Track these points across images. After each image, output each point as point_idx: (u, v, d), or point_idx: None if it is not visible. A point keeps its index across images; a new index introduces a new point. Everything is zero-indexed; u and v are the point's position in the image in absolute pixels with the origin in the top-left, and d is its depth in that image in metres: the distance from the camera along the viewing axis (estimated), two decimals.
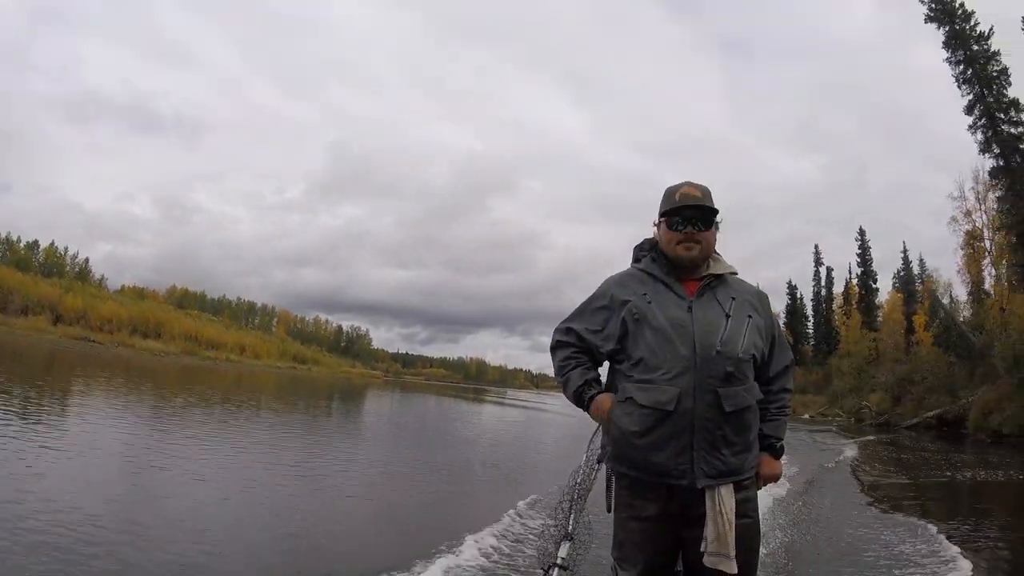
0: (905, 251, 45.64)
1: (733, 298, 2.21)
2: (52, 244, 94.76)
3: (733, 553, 2.07)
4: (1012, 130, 23.47)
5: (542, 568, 2.78)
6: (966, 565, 5.44)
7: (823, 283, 58.49)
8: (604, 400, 2.26)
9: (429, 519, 6.94)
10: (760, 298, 2.32)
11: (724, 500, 2.10)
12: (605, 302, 2.31)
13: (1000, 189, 23.82)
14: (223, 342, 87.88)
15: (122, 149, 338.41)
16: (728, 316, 2.16)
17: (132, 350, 64.66)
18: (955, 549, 5.93)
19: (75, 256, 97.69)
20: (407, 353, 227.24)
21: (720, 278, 2.25)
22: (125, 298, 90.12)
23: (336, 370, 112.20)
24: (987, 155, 23.86)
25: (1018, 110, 23.71)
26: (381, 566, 5.06)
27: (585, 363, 2.35)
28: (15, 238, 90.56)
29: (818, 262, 58.77)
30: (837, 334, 52.97)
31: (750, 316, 2.22)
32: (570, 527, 2.81)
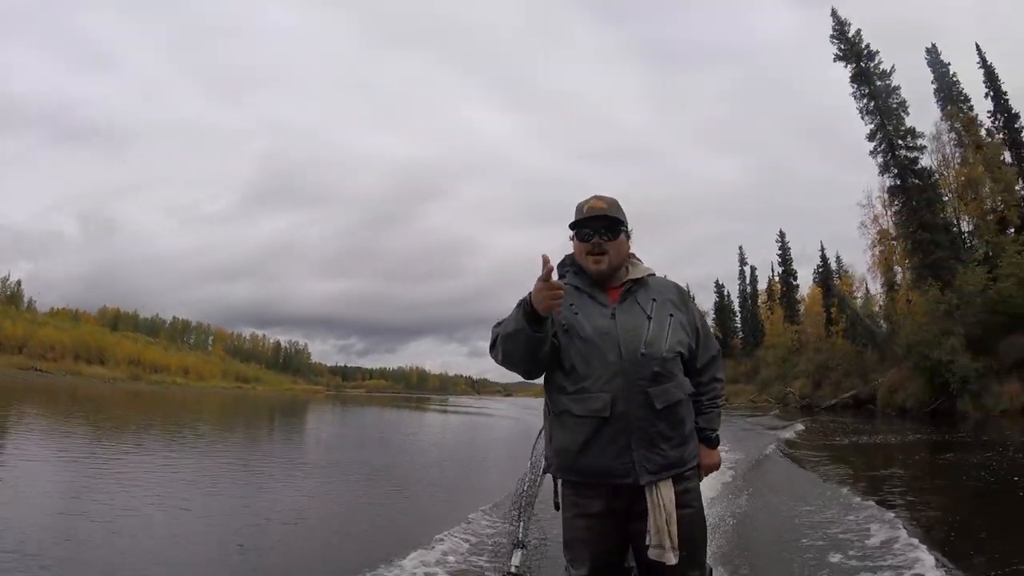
0: (823, 249, 50.23)
1: (654, 299, 2.28)
2: None
3: (673, 545, 2.13)
4: (908, 154, 27.60)
5: None
6: (888, 516, 5.76)
7: (748, 280, 63.21)
8: (536, 285, 2.08)
9: (375, 534, 6.85)
10: (680, 294, 2.39)
11: (662, 494, 2.15)
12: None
13: (897, 204, 27.99)
14: (166, 365, 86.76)
15: (43, 160, 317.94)
16: (650, 318, 2.23)
17: (80, 378, 63.76)
18: (874, 506, 6.29)
19: (6, 279, 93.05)
20: (345, 366, 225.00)
21: (639, 282, 2.32)
22: (57, 321, 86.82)
23: (279, 387, 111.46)
24: (886, 176, 28.15)
25: (914, 136, 27.90)
26: None
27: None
28: None
29: (742, 261, 63.72)
30: (763, 328, 57.09)
31: (671, 315, 2.28)
32: (521, 535, 2.89)
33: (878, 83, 28.82)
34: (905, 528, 5.35)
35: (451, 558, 5.22)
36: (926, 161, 28.64)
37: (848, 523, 5.95)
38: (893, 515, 5.76)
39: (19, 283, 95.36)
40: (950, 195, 28.39)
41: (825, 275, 49.32)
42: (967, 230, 28.69)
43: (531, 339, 2.13)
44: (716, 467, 2.46)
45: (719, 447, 2.47)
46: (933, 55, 30.73)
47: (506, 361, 2.27)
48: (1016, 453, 10.95)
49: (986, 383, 20.15)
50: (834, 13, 30.39)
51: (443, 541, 5.63)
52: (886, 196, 29.10)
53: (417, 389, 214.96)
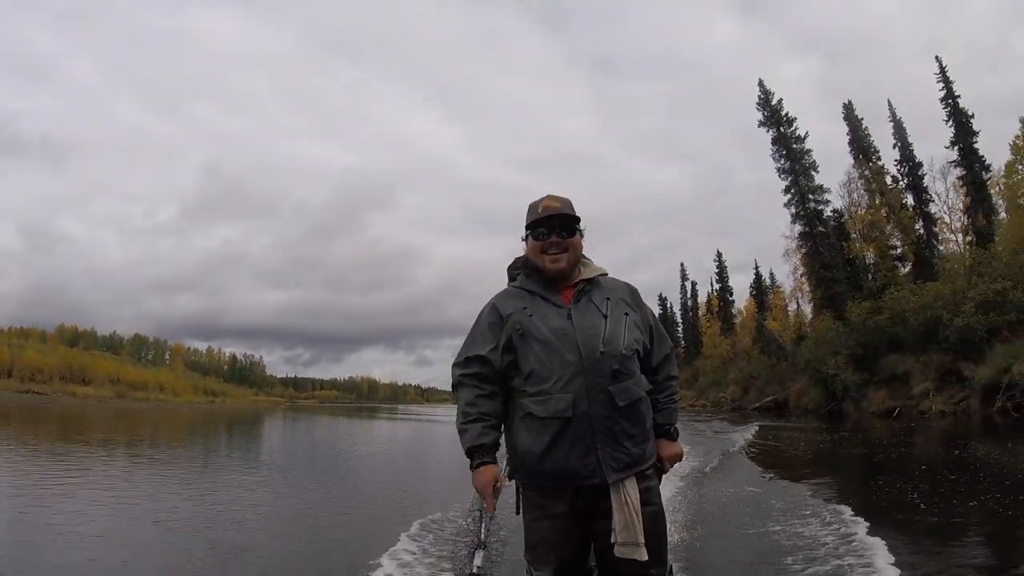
0: (757, 266, 56.50)
1: (608, 298, 2.31)
2: None
3: (642, 541, 2.15)
4: (816, 206, 34.25)
5: None
6: (799, 489, 7.53)
7: (688, 295, 69.57)
8: (485, 475, 2.27)
9: (337, 541, 6.95)
10: (632, 293, 2.42)
11: (628, 492, 2.17)
12: (492, 319, 2.36)
13: (805, 247, 34.76)
14: (144, 382, 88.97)
15: None
16: (606, 317, 2.27)
17: (75, 398, 66.40)
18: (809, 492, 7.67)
19: None
20: (296, 377, 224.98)
21: (592, 281, 2.35)
22: (16, 340, 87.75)
23: (244, 400, 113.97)
24: (797, 223, 34.89)
25: (821, 192, 34.45)
26: None
27: (487, 416, 2.31)
28: None
29: (684, 277, 69.90)
30: (701, 339, 62.49)
31: (626, 313, 2.32)
32: (482, 536, 2.91)
33: (794, 146, 35.23)
34: (826, 497, 7.20)
35: (413, 560, 5.25)
36: (837, 203, 34.66)
37: (775, 492, 7.88)
38: (819, 487, 7.87)
39: None
40: (856, 234, 34.02)
41: (759, 291, 55.61)
42: (872, 262, 33.88)
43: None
44: (679, 457, 2.47)
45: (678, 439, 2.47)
46: (848, 110, 36.82)
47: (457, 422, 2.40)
48: (877, 437, 16.19)
49: (863, 391, 26.59)
50: (761, 84, 36.75)
51: (404, 544, 5.77)
52: (797, 240, 36.12)
53: (368, 399, 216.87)
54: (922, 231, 33.50)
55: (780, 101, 36.75)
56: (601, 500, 2.21)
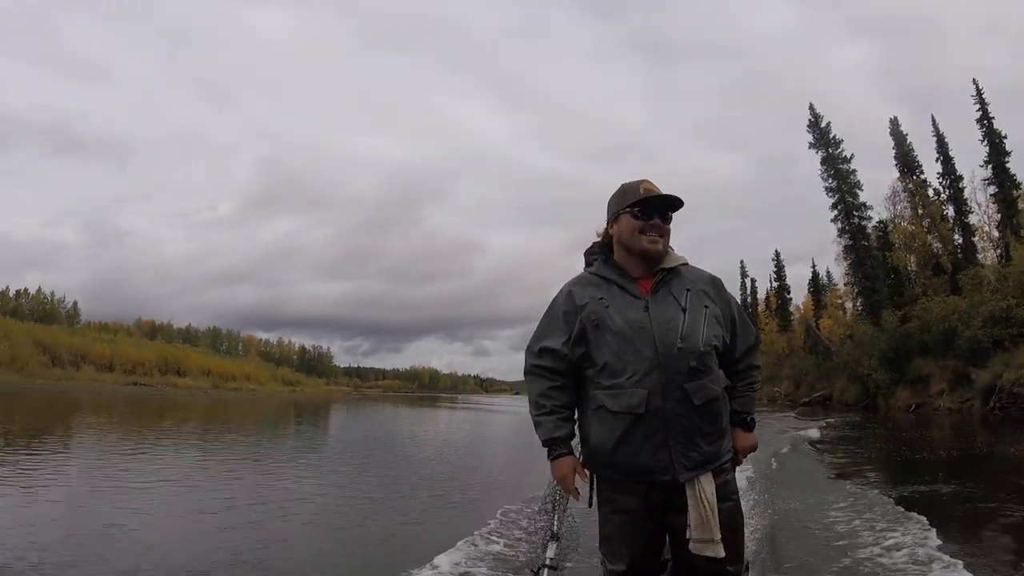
0: (814, 265, 59.98)
1: (688, 290, 2.28)
2: (39, 289, 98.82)
3: (718, 537, 2.16)
4: (859, 222, 39.40)
5: (531, 570, 3.01)
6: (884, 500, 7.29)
7: (748, 291, 72.90)
8: (563, 466, 2.32)
9: (414, 529, 7.32)
10: (714, 284, 2.38)
11: (704, 488, 2.18)
12: (567, 307, 2.35)
13: (849, 259, 40.04)
14: (232, 373, 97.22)
15: (45, 173, 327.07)
16: (684, 310, 2.24)
17: (177, 389, 73.26)
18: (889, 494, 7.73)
19: (62, 300, 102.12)
20: (359, 367, 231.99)
21: (673, 271, 2.32)
22: (102, 335, 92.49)
23: (317, 389, 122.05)
24: (843, 236, 39.99)
25: (865, 209, 39.53)
26: None
27: (560, 408, 2.35)
28: None
29: (743, 274, 73.36)
30: (760, 335, 68.14)
31: (706, 306, 2.28)
32: (555, 528, 3.06)
33: (840, 167, 40.31)
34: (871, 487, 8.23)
35: (487, 552, 5.60)
36: (882, 214, 39.28)
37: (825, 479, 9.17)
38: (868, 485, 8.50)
39: (75, 304, 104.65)
40: (899, 244, 38.14)
41: (815, 289, 59.56)
42: (913, 270, 37.82)
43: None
44: (754, 448, 2.47)
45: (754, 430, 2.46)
46: (894, 125, 40.60)
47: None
48: (900, 429, 20.45)
49: (892, 390, 31.72)
50: (811, 107, 41.77)
51: (478, 536, 6.10)
52: (843, 252, 40.91)
53: (429, 388, 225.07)
54: (960, 241, 37.05)
55: (829, 124, 41.56)
56: (676, 495, 2.20)
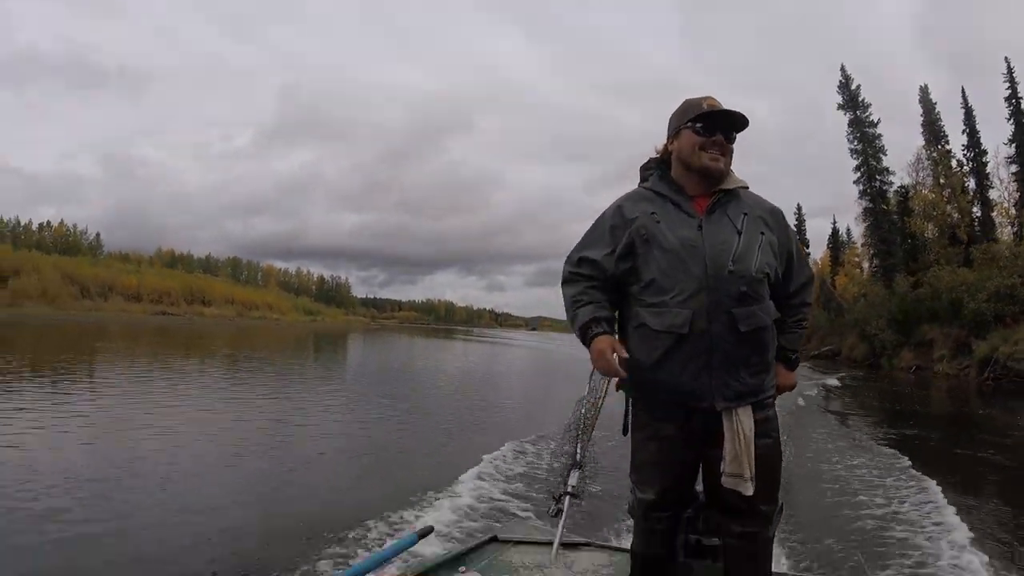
0: (835, 221, 60.94)
1: (745, 214, 2.17)
2: (62, 222, 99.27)
3: (749, 475, 2.10)
4: (881, 186, 40.51)
5: (553, 497, 3.02)
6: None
7: None
8: (602, 342, 2.15)
9: (436, 457, 7.44)
10: (774, 214, 2.26)
11: (742, 421, 2.10)
12: (615, 221, 2.24)
13: (868, 221, 41.32)
14: (255, 302, 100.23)
15: (61, 107, 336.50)
16: (740, 233, 2.13)
17: (203, 318, 76.22)
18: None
19: (84, 232, 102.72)
20: (375, 297, 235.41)
21: (731, 193, 2.20)
22: (124, 265, 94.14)
23: (336, 319, 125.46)
24: (863, 198, 41.23)
25: (887, 174, 40.56)
26: (389, 505, 5.66)
27: (599, 300, 2.24)
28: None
29: None
30: None
31: (763, 233, 2.16)
32: (578, 455, 3.08)
33: (867, 130, 41.25)
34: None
35: (508, 480, 5.56)
36: (904, 179, 40.05)
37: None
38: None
39: (98, 235, 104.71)
40: (918, 211, 38.80)
41: (835, 245, 60.24)
42: (929, 237, 38.57)
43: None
44: (791, 388, 2.42)
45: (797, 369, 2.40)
46: (924, 93, 41.03)
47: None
48: (902, 388, 22.81)
49: (898, 351, 33.55)
50: (843, 69, 42.48)
51: (499, 462, 6.18)
52: (862, 214, 42.09)
53: (445, 321, 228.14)
54: (979, 214, 37.92)
55: (859, 87, 42.26)
56: (714, 425, 2.11)
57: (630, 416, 2.35)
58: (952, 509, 6.40)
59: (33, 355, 20.47)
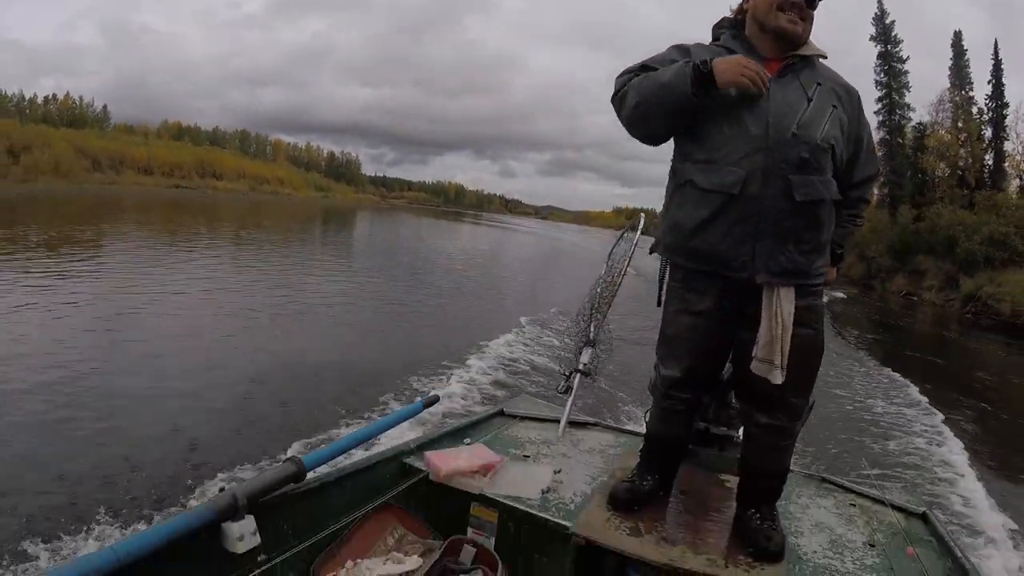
0: None
1: (819, 83, 2.02)
2: (67, 95, 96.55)
3: (781, 362, 1.99)
4: (899, 121, 41.79)
5: (564, 374, 3.04)
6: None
7: None
8: (726, 58, 1.93)
9: (447, 334, 7.38)
10: (850, 93, 2.10)
11: (782, 302, 1.97)
12: (679, 56, 2.05)
13: (882, 151, 41.70)
14: (266, 177, 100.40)
15: None
16: (809, 100, 1.97)
17: (216, 192, 76.67)
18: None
19: (91, 104, 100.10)
20: (384, 176, 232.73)
21: (807, 60, 2.04)
22: (128, 137, 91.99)
23: (347, 196, 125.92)
24: (882, 129, 42.09)
25: (908, 109, 41.78)
26: (398, 377, 5.65)
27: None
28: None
29: None
30: None
31: (834, 107, 2.01)
32: (592, 334, 3.06)
33: (895, 65, 42.09)
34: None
35: (519, 355, 5.46)
36: (924, 117, 41.38)
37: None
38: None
39: (105, 107, 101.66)
40: (932, 148, 40.21)
41: None
42: (940, 176, 40.21)
43: (684, 102, 1.96)
44: (829, 283, 2.27)
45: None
46: (957, 39, 41.52)
47: (636, 114, 2.06)
48: (891, 306, 26.08)
49: (891, 276, 36.27)
50: (879, 2, 42.72)
51: (514, 336, 6.18)
52: (878, 143, 43.13)
53: (454, 204, 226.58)
54: (991, 163, 39.47)
55: (892, 22, 42.70)
56: (751, 304, 2.02)
57: (664, 288, 2.29)
58: (940, 416, 7.49)
59: (51, 230, 20.54)
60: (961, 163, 39.51)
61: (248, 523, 1.70)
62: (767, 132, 1.93)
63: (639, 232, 3.31)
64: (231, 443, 4.96)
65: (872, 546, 2.29)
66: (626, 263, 3.25)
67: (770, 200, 1.93)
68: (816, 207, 1.97)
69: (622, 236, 3.45)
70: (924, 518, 2.60)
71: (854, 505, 2.65)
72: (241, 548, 1.68)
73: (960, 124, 39.70)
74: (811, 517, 2.49)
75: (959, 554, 2.23)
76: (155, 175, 79.41)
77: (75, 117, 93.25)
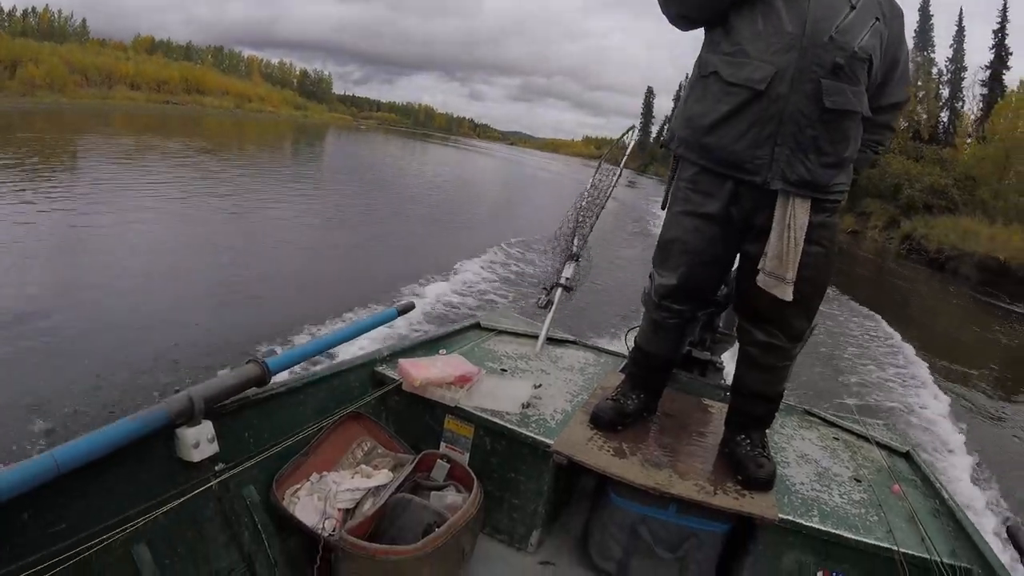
0: None
1: None
2: (46, 8, 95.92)
3: (791, 277, 1.95)
4: None
5: (544, 288, 3.00)
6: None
7: None
8: None
9: (425, 249, 7.12)
10: (894, 11, 2.03)
11: (797, 214, 1.93)
12: None
13: None
14: (247, 95, 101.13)
15: None
16: (853, 7, 1.89)
17: (204, 108, 77.85)
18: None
19: (70, 17, 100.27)
20: (352, 95, 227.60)
21: None
22: (94, 49, 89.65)
23: (323, 116, 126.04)
24: None
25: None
26: (373, 288, 5.47)
27: None
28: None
29: None
30: None
31: (877, 19, 1.94)
32: (575, 247, 3.00)
33: None
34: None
35: (497, 271, 5.18)
36: None
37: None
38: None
39: (84, 21, 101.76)
40: None
41: None
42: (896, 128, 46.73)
43: None
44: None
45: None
46: (924, 4, 47.44)
47: None
48: (840, 241, 34.34)
49: (842, 214, 40.89)
50: None
51: (494, 254, 5.89)
52: None
53: (424, 126, 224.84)
54: (945, 121, 46.02)
55: None
56: (762, 213, 1.98)
57: (671, 187, 2.21)
58: (899, 336, 8.51)
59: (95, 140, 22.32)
60: (917, 119, 45.26)
61: (205, 428, 1.63)
62: (803, 31, 1.85)
63: (632, 143, 3.28)
64: (195, 349, 4.81)
65: (858, 481, 2.30)
66: (616, 176, 3.23)
67: (797, 103, 1.87)
68: (844, 117, 1.92)
69: (615, 145, 3.44)
70: (908, 457, 2.65)
71: (838, 439, 2.69)
72: (197, 456, 1.62)
73: (919, 83, 45.06)
74: (796, 449, 2.50)
75: (945, 495, 2.27)
76: (144, 91, 79.70)
77: (54, 31, 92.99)
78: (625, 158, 3.25)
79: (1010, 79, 43.42)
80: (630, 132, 3.31)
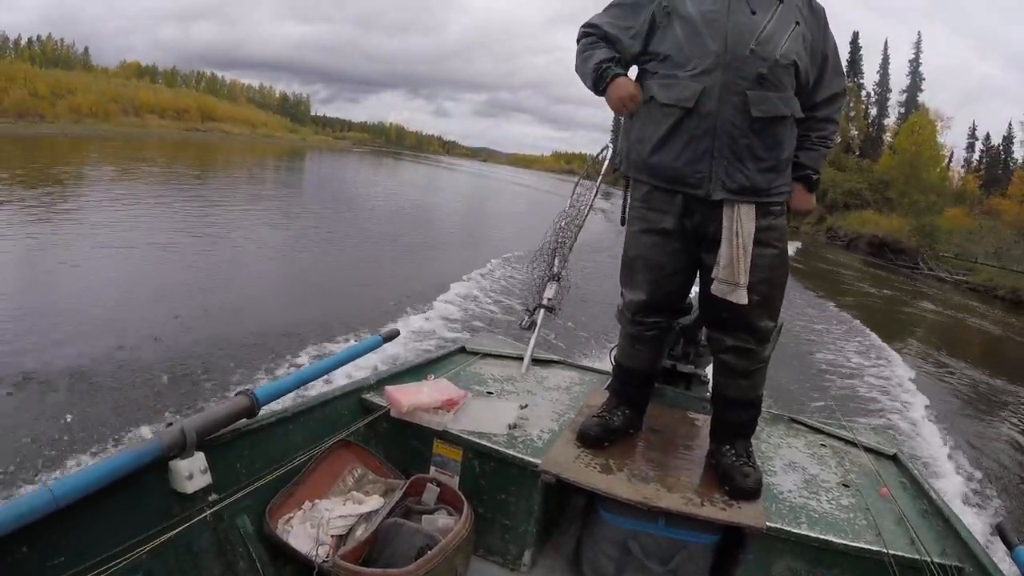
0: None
1: (781, 1, 2.15)
2: (49, 36, 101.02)
3: (743, 282, 2.11)
4: None
5: (527, 310, 3.13)
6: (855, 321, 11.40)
7: None
8: (621, 86, 2.18)
9: (409, 275, 7.15)
10: (815, 11, 2.23)
11: (742, 220, 2.10)
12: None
13: None
14: (250, 120, 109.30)
15: None
16: (771, 17, 2.10)
17: (228, 135, 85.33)
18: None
19: (71, 45, 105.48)
20: (323, 115, 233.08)
21: None
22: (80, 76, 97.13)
23: (309, 138, 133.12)
24: None
25: None
26: (357, 315, 5.57)
27: (611, 53, 2.24)
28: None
29: None
30: None
31: (797, 23, 2.14)
32: (556, 268, 3.14)
33: None
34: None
35: (480, 295, 5.16)
36: None
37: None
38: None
39: (86, 49, 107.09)
40: None
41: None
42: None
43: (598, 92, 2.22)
44: (808, 212, 2.40)
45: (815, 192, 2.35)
46: (855, 38, 61.19)
47: (579, 75, 2.31)
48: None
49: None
50: None
51: (477, 276, 5.81)
52: None
53: (395, 145, 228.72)
54: (873, 134, 59.27)
55: None
56: (712, 223, 2.15)
57: (627, 206, 2.37)
58: (859, 322, 9.65)
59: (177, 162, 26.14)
60: (849, 135, 58.65)
61: (198, 460, 1.70)
62: (725, 48, 2.05)
63: (607, 162, 3.36)
64: (183, 380, 4.87)
65: (846, 486, 2.37)
66: (592, 196, 3.42)
67: (727, 116, 2.06)
68: (774, 124, 2.09)
69: (589, 165, 3.62)
70: (895, 459, 2.72)
71: (824, 446, 2.77)
72: (191, 487, 1.68)
73: (851, 104, 58.11)
74: (783, 457, 2.58)
75: (933, 495, 2.33)
76: (166, 119, 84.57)
77: (59, 59, 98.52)
78: (601, 176, 3.44)
79: (923, 98, 57.34)
80: (605, 151, 3.41)
